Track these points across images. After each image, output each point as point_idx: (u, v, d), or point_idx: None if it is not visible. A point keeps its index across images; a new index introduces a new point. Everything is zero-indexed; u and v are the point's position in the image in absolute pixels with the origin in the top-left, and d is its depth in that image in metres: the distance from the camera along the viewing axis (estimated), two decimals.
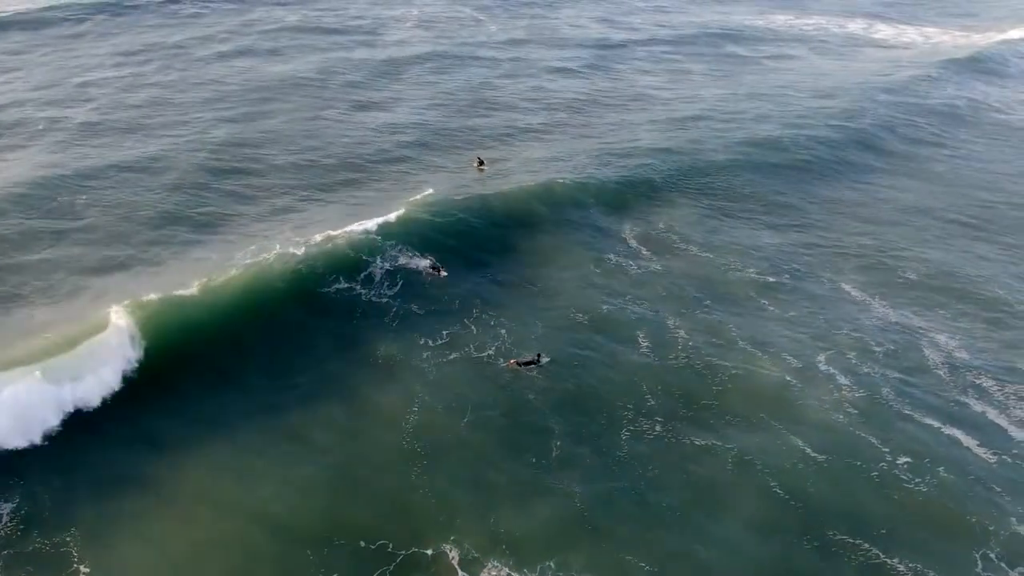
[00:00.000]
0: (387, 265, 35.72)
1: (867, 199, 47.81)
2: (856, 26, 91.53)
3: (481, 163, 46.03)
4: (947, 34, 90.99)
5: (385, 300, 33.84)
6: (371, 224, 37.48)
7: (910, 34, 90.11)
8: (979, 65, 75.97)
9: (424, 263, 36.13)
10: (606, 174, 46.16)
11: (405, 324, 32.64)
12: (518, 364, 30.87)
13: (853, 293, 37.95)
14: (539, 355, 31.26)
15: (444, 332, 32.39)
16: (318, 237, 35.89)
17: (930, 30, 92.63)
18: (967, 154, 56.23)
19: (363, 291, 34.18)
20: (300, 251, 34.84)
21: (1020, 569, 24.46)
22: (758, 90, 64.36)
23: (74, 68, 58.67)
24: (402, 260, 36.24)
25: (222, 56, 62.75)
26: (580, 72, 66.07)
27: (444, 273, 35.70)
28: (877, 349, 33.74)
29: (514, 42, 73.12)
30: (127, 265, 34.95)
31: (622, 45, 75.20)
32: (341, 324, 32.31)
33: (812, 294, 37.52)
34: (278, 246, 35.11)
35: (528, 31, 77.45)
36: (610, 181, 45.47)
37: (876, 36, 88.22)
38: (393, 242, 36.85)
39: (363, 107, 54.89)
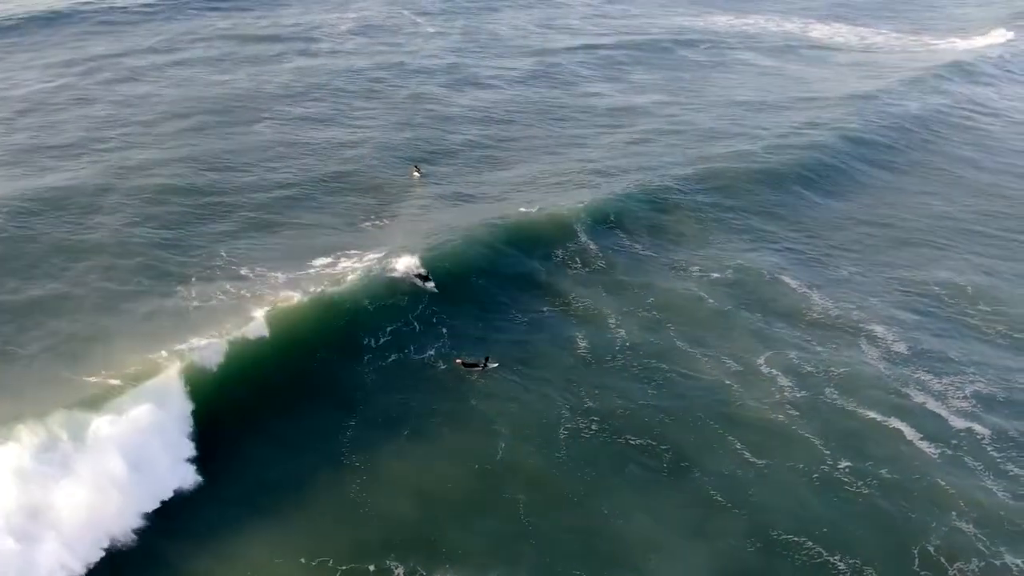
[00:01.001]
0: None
1: (801, 203, 48.06)
2: (793, 25, 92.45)
3: (418, 169, 45.61)
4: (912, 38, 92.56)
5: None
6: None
7: (876, 38, 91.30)
8: (965, 71, 76.72)
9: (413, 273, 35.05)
10: (565, 196, 44.96)
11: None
12: (464, 364, 30.52)
13: (792, 285, 38.27)
14: (487, 358, 30.89)
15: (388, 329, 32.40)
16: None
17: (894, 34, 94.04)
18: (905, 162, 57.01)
19: None
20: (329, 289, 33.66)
21: (959, 564, 24.55)
22: (709, 99, 63.94)
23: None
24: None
25: (157, 68, 60.63)
26: (527, 82, 63.86)
27: (431, 284, 34.61)
28: (818, 347, 33.86)
29: (454, 48, 71.90)
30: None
31: (567, 51, 73.57)
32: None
33: (753, 290, 37.66)
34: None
35: (468, 36, 76.54)
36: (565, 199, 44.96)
37: (827, 39, 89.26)
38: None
39: (299, 122, 52.42)
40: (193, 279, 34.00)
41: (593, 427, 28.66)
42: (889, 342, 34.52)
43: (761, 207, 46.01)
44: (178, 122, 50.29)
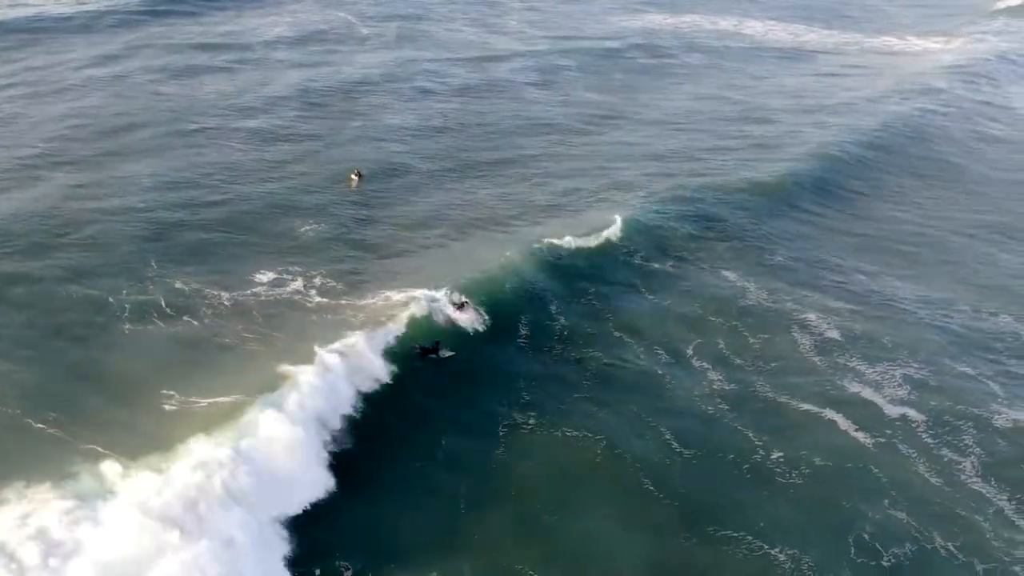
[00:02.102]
0: None
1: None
2: (728, 23, 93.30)
3: (358, 175, 44.60)
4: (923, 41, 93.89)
5: None
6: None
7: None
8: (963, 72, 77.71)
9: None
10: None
11: None
12: (421, 350, 30.37)
13: (730, 277, 38.22)
14: (437, 343, 30.71)
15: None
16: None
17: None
18: None
19: None
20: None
21: (894, 550, 24.46)
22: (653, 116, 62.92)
23: None
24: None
25: (86, 81, 58.36)
26: (468, 89, 62.31)
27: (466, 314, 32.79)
28: (751, 339, 33.74)
29: (392, 56, 70.71)
30: None
31: (506, 57, 71.91)
32: None
33: (689, 280, 37.60)
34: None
35: (407, 40, 75.41)
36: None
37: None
38: None
39: (239, 136, 49.92)
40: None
41: (531, 421, 28.18)
42: (823, 330, 34.58)
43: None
44: (107, 141, 47.11)
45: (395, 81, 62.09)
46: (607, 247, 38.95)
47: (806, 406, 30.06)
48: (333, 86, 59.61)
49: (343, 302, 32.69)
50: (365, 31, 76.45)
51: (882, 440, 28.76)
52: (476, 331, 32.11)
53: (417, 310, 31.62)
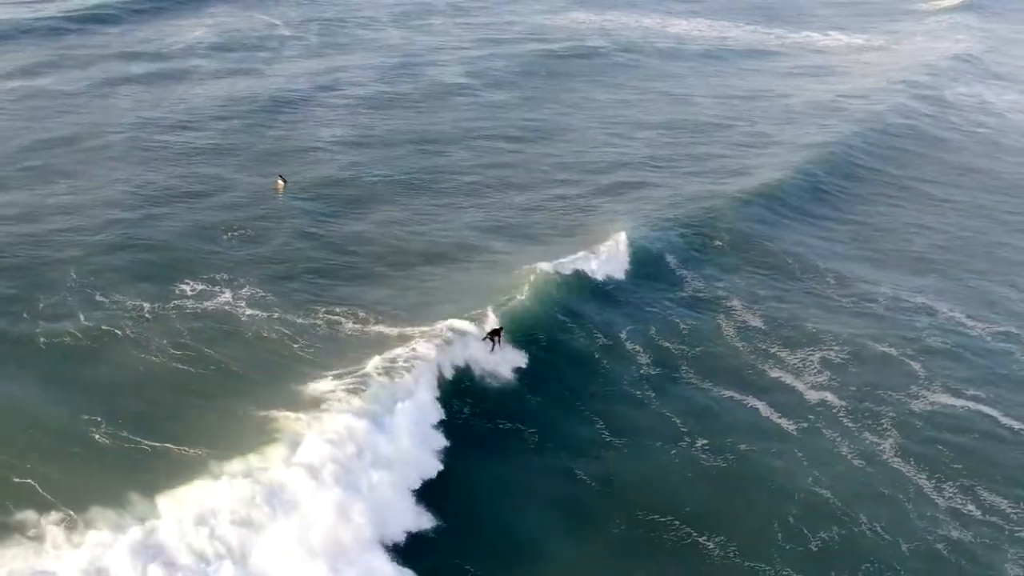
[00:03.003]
0: None
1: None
2: (651, 21, 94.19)
3: (282, 179, 43.76)
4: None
5: None
6: None
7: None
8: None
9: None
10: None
11: None
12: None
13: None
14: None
15: None
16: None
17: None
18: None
19: None
20: None
21: (821, 534, 24.72)
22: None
23: None
24: None
25: None
26: (399, 96, 60.19)
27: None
28: (681, 325, 34.13)
29: (317, 57, 69.71)
30: None
31: (433, 60, 70.76)
32: None
33: None
34: None
35: (330, 43, 74.59)
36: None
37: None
38: None
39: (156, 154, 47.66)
40: None
41: (465, 410, 28.05)
42: (747, 317, 35.07)
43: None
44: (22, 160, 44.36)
45: (322, 88, 60.49)
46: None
47: (729, 392, 30.54)
48: (257, 94, 58.01)
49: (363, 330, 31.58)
50: (288, 33, 75.43)
51: (804, 424, 29.12)
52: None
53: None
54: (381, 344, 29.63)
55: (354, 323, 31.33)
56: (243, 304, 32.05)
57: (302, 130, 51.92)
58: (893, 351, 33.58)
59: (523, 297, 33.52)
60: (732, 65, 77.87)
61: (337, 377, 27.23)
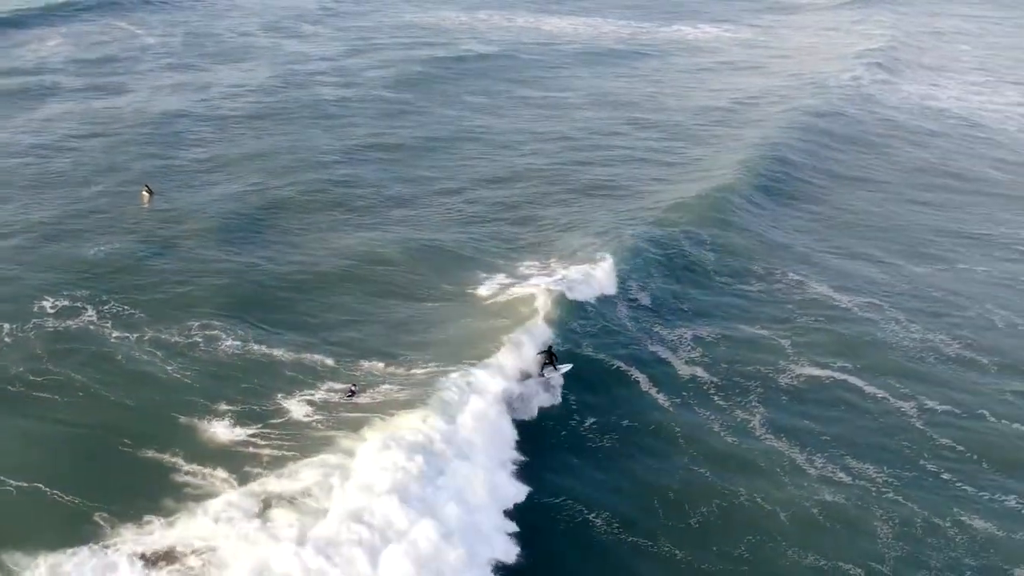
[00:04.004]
0: None
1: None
2: (524, 20, 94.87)
3: (149, 190, 42.31)
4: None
5: None
6: None
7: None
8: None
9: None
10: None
11: None
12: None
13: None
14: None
15: None
16: None
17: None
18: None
19: None
20: None
21: (701, 508, 25.28)
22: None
23: None
24: None
25: None
26: (271, 110, 57.77)
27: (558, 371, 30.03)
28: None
29: (183, 68, 67.44)
30: None
31: (305, 68, 68.69)
32: None
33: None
34: None
35: (197, 51, 72.30)
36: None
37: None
38: None
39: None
40: None
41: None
42: (632, 294, 35.86)
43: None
44: None
45: (189, 100, 58.46)
46: None
47: (616, 364, 31.32)
48: (119, 107, 55.96)
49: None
50: (152, 42, 73.06)
51: (678, 400, 29.88)
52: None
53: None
54: (267, 370, 28.92)
55: (234, 340, 30.48)
56: (109, 323, 30.87)
57: (169, 145, 50.25)
58: (762, 329, 34.64)
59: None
60: (632, 64, 78.57)
61: (237, 418, 26.30)
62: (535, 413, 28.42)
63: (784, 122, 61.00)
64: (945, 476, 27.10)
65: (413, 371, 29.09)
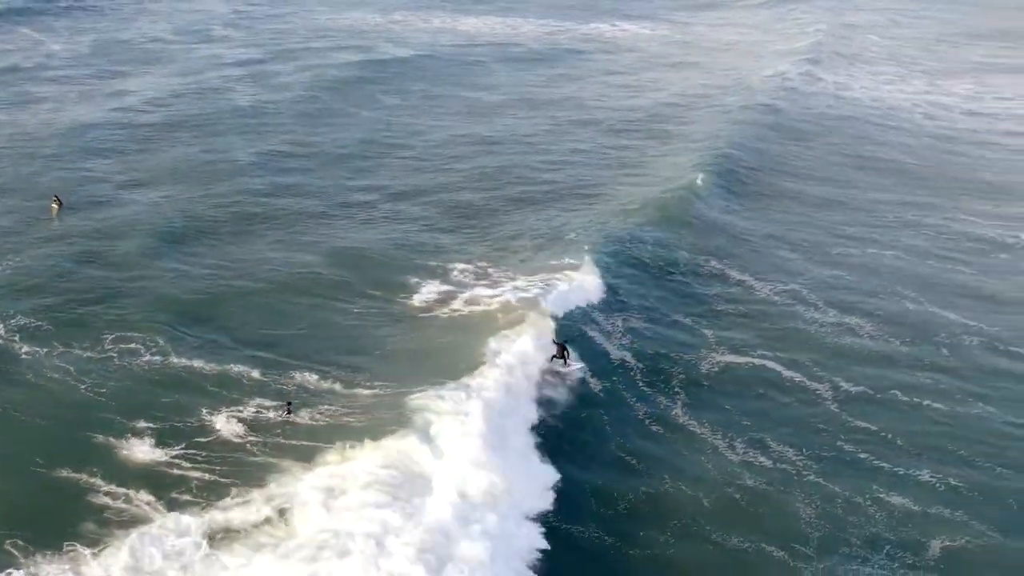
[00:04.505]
0: None
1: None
2: (439, 21, 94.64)
3: (58, 202, 40.99)
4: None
5: None
6: None
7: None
8: None
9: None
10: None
11: None
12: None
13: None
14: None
15: None
16: None
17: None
18: None
19: None
20: None
21: (629, 496, 25.53)
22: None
23: None
24: None
25: None
26: (184, 118, 56.13)
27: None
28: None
29: (89, 68, 65.74)
30: None
31: (217, 76, 66.65)
32: None
33: None
34: None
35: (106, 58, 70.13)
36: None
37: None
38: None
39: None
40: None
41: None
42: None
43: None
44: None
45: (99, 110, 56.47)
46: None
47: None
48: (23, 120, 53.71)
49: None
50: (58, 48, 70.80)
51: (608, 386, 30.22)
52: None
53: None
54: (189, 385, 28.18)
55: (152, 355, 29.64)
56: (17, 338, 29.87)
57: (80, 156, 48.60)
58: (686, 318, 35.20)
59: None
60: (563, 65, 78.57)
61: (159, 437, 25.46)
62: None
63: (710, 118, 62.20)
64: (862, 456, 27.77)
65: (355, 389, 28.37)
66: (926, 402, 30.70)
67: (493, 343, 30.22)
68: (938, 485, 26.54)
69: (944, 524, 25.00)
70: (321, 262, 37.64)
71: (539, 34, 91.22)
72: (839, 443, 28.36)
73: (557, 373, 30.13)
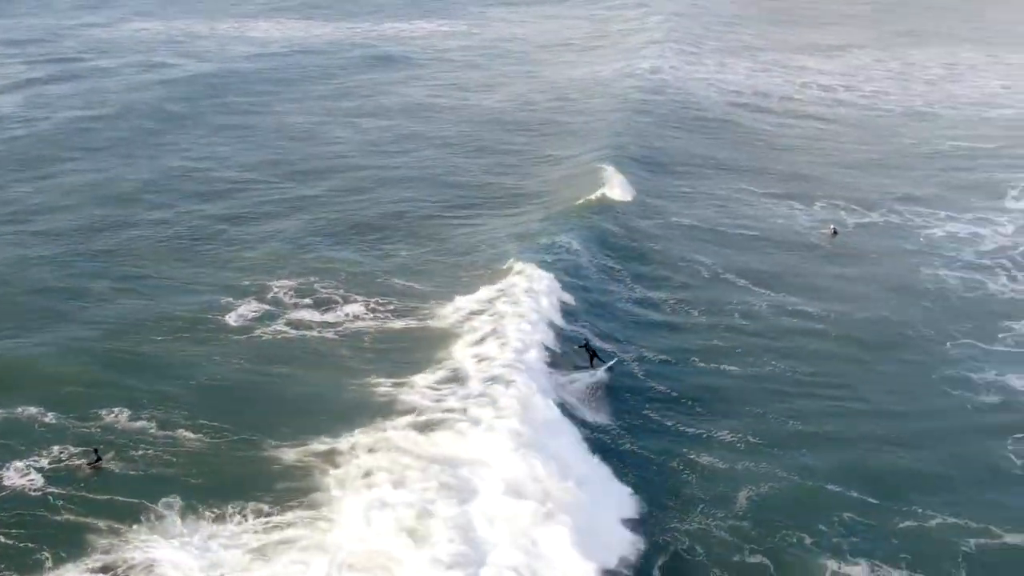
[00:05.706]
0: None
1: None
2: (227, 26, 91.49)
3: None
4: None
5: None
6: None
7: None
8: None
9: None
10: None
11: None
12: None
13: None
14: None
15: None
16: None
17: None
18: None
19: None
20: None
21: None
22: None
23: None
24: None
25: None
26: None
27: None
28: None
29: None
30: None
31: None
32: None
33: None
34: None
35: None
36: None
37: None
38: None
39: None
40: None
41: None
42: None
43: None
44: None
45: None
46: None
47: None
48: None
49: None
50: None
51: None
52: None
53: None
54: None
55: None
56: None
57: None
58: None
59: None
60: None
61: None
62: None
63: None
64: (668, 422, 28.91)
65: (177, 429, 26.18)
66: (722, 366, 32.23)
67: None
68: (738, 443, 27.94)
69: (748, 475, 26.33)
70: (103, 284, 36.26)
71: (335, 37, 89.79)
72: (644, 411, 29.44)
73: None
